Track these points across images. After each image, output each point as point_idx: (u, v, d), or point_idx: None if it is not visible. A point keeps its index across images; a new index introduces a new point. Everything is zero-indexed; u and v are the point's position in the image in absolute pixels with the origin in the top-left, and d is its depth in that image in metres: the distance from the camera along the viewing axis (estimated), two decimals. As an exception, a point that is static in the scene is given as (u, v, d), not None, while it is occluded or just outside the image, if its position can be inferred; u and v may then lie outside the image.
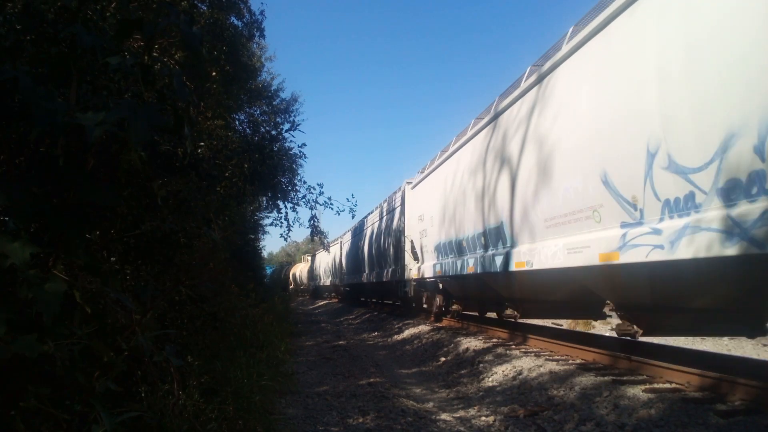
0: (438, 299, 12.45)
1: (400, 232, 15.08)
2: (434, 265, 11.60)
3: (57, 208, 1.64)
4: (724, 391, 4.61)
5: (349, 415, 5.01)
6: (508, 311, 8.71)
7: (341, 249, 27.89)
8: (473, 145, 9.46)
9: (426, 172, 13.00)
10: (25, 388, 1.59)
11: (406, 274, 14.36)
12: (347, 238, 26.64)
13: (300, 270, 46.11)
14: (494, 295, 9.25)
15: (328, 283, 32.03)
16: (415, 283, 13.95)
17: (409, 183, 14.74)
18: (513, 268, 7.29)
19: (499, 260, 7.82)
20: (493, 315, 11.28)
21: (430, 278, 12.21)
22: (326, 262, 32.08)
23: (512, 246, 7.44)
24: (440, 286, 11.98)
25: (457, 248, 9.97)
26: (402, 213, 15.00)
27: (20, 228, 1.55)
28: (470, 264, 9.13)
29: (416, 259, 13.46)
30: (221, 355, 4.98)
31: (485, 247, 8.48)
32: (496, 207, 7.98)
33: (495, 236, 8.04)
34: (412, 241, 13.94)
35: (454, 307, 11.70)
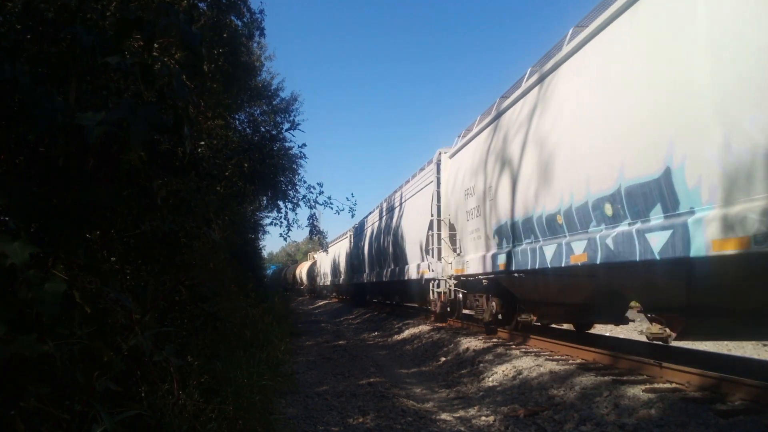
0: (494, 304, 9.10)
1: (430, 217, 11.81)
2: (493, 256, 8.27)
3: (57, 208, 1.64)
4: (724, 391, 4.60)
5: (349, 414, 5.01)
6: (655, 328, 5.40)
7: (350, 243, 25.86)
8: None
9: (477, 128, 9.60)
10: (25, 388, 1.59)
11: (439, 269, 11.22)
12: (354, 234, 25.29)
13: (305, 269, 45.62)
14: (620, 301, 6.43)
15: (338, 282, 29.90)
16: (454, 282, 10.69)
17: (445, 152, 11.69)
18: (705, 251, 4.08)
19: (656, 239, 4.55)
20: (566, 326, 9.09)
21: (483, 274, 8.97)
22: (335, 261, 30.68)
23: (693, 210, 4.24)
24: (497, 285, 8.81)
25: (544, 227, 6.61)
26: (436, 192, 11.67)
27: (20, 228, 1.54)
28: (577, 250, 5.82)
29: (456, 249, 10.60)
30: (221, 355, 4.98)
31: (614, 220, 5.24)
32: (646, 144, 4.73)
33: (642, 198, 4.83)
34: (452, 225, 10.93)
35: (523, 316, 8.32)
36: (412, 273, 13.92)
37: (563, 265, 6.08)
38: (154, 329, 2.71)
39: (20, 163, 2.02)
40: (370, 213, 21.79)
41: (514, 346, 8.07)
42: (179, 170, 3.39)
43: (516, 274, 7.61)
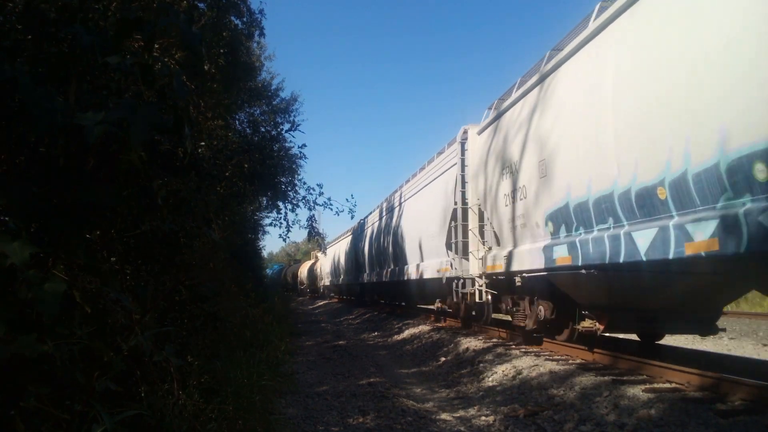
0: (541, 309, 7.27)
1: (453, 206, 10.13)
2: (545, 248, 6.54)
3: (57, 208, 1.64)
4: (724, 391, 4.60)
5: (349, 414, 5.01)
6: None
7: (351, 243, 25.06)
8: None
9: (525, 87, 7.52)
10: (25, 388, 1.59)
11: (464, 266, 9.64)
12: (355, 234, 24.69)
13: (306, 269, 45.42)
14: (714, 303, 5.35)
15: (339, 282, 29.16)
16: (486, 281, 9.05)
17: (472, 128, 9.96)
18: None
19: None
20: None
21: (529, 272, 7.25)
22: (335, 261, 30.08)
23: None
24: (546, 285, 7.04)
25: (633, 206, 4.93)
26: (460, 176, 10.02)
27: (20, 228, 1.55)
28: (697, 235, 4.15)
29: (485, 242, 9.06)
30: (221, 355, 4.98)
31: None
32: None
33: None
34: (482, 213, 9.23)
35: (586, 324, 6.59)
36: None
37: (671, 257, 4.40)
38: (154, 329, 2.71)
39: (20, 163, 2.02)
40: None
41: (513, 346, 8.07)
42: (179, 170, 3.39)
43: (583, 271, 5.75)
